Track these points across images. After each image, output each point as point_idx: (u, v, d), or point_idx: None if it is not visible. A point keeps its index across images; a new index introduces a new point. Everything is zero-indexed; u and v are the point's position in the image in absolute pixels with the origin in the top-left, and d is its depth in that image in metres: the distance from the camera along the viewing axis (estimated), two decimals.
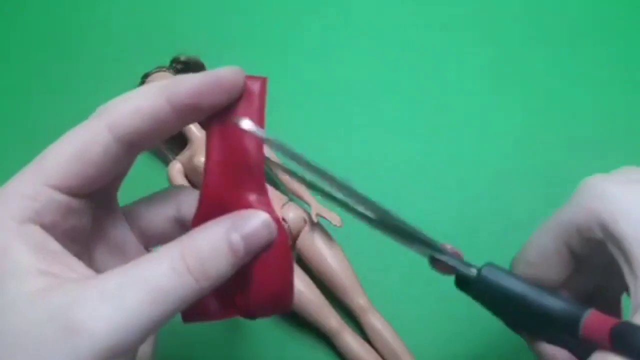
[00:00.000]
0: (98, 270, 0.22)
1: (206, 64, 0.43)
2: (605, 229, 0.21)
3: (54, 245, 0.19)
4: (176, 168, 0.40)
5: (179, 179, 0.40)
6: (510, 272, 0.24)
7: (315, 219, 0.37)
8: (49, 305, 0.17)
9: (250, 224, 0.20)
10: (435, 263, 0.25)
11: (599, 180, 0.23)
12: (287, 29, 0.52)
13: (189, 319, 0.22)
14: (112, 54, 0.50)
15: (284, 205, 0.38)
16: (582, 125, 0.46)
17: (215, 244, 0.19)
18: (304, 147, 0.44)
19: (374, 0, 0.53)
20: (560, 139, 0.45)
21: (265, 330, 0.37)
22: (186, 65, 0.43)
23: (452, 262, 0.24)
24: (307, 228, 0.37)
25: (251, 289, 0.21)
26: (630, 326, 0.19)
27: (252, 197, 0.21)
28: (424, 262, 0.40)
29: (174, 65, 0.43)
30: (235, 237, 0.19)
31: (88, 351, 0.16)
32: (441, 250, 0.25)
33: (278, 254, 0.21)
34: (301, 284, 0.36)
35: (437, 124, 0.46)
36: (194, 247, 0.19)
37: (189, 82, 0.20)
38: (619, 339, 0.20)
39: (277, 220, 0.21)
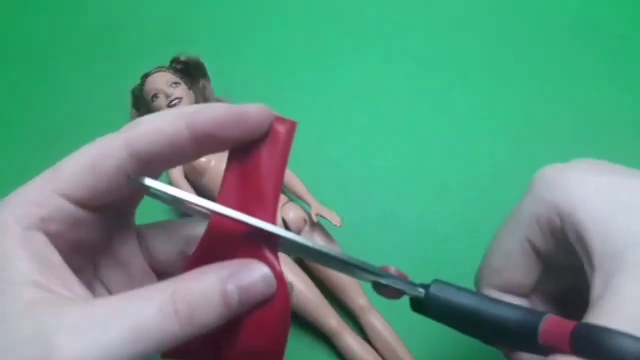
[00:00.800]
0: (100, 281, 0.22)
1: (206, 64, 0.43)
2: (564, 218, 0.21)
3: (55, 257, 0.19)
4: (177, 168, 0.40)
5: (180, 179, 0.40)
6: (459, 287, 0.23)
7: (315, 219, 0.37)
8: (34, 323, 0.17)
9: (248, 276, 0.19)
10: (380, 288, 0.23)
11: (555, 170, 0.22)
12: (287, 29, 0.52)
13: (167, 354, 0.20)
14: (111, 54, 0.50)
15: (283, 205, 0.38)
16: (580, 126, 0.46)
17: (208, 292, 0.18)
18: (304, 148, 0.44)
19: (373, 2, 0.53)
20: (559, 139, 0.45)
21: None
22: (186, 65, 0.43)
23: (397, 284, 0.23)
24: (307, 228, 0.37)
25: (237, 344, 0.20)
26: (588, 327, 0.19)
27: (261, 247, 0.20)
28: (424, 262, 0.41)
29: (174, 65, 0.43)
30: (231, 288, 0.18)
31: None
32: (384, 275, 0.23)
33: (274, 312, 0.20)
34: (301, 284, 0.36)
35: (435, 124, 0.46)
36: (186, 291, 0.18)
37: (211, 112, 0.20)
38: (579, 342, 0.19)
39: (280, 276, 0.20)
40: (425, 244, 0.41)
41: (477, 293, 0.23)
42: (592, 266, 0.20)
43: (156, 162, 0.20)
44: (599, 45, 0.50)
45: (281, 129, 0.21)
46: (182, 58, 0.43)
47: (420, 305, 0.23)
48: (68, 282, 0.19)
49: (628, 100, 0.47)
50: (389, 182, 0.43)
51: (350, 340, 0.35)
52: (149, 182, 0.19)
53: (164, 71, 0.42)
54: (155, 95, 0.41)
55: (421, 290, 0.23)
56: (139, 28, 0.52)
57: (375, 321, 0.36)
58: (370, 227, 0.41)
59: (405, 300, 0.39)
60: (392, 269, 0.23)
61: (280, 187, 0.21)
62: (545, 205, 0.22)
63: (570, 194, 0.21)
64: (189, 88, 0.42)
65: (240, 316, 0.19)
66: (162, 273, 0.23)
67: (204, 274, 0.18)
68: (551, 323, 0.20)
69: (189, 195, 0.19)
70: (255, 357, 0.21)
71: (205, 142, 0.20)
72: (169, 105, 0.40)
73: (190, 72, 0.43)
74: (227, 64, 0.49)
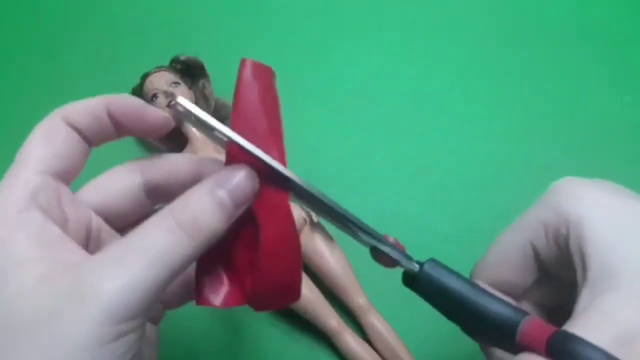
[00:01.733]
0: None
1: (206, 63, 0.43)
2: (570, 228, 0.21)
3: (54, 229, 0.20)
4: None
5: None
6: (453, 271, 0.23)
7: (315, 219, 0.37)
8: (56, 283, 0.18)
9: (233, 177, 0.20)
10: (377, 254, 0.24)
11: (572, 183, 0.23)
12: (287, 29, 0.52)
13: (202, 301, 0.22)
14: (112, 54, 0.50)
15: None
16: (580, 126, 0.46)
17: (202, 202, 0.20)
18: (304, 148, 0.44)
19: (373, 3, 0.53)
20: (557, 140, 0.45)
21: (266, 330, 0.37)
22: (186, 65, 0.43)
23: (394, 254, 0.23)
24: (307, 228, 0.37)
25: (258, 275, 0.21)
26: (566, 335, 0.19)
27: (271, 185, 0.21)
28: (423, 260, 0.41)
29: (173, 65, 0.43)
30: (221, 192, 0.20)
31: (101, 314, 0.17)
32: (384, 242, 0.24)
33: (285, 246, 0.22)
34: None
35: (436, 124, 0.46)
36: (183, 207, 0.19)
37: (123, 102, 0.23)
38: (555, 347, 0.19)
39: (287, 211, 0.21)
40: (425, 244, 0.41)
41: (469, 281, 0.23)
42: (585, 279, 0.21)
43: (90, 135, 0.22)
44: (600, 47, 0.50)
45: (247, 74, 0.23)
46: (182, 58, 0.43)
47: (412, 281, 0.24)
48: (72, 249, 0.20)
49: (628, 100, 0.47)
50: (389, 183, 0.43)
51: (350, 340, 0.35)
52: (180, 100, 0.22)
53: (164, 71, 0.42)
54: (155, 95, 0.41)
55: (416, 265, 0.23)
56: (139, 28, 0.52)
57: (375, 321, 0.36)
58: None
59: (405, 300, 0.39)
60: (392, 238, 0.24)
61: (280, 128, 0.23)
62: (556, 212, 0.22)
63: (582, 207, 0.21)
64: (189, 88, 0.42)
65: (257, 251, 0.21)
66: None
67: (195, 191, 0.20)
68: (532, 324, 0.21)
69: (215, 122, 0.21)
70: (276, 292, 0.22)
71: (120, 126, 0.22)
72: (169, 105, 0.40)
73: (190, 72, 0.43)
74: (227, 64, 0.48)
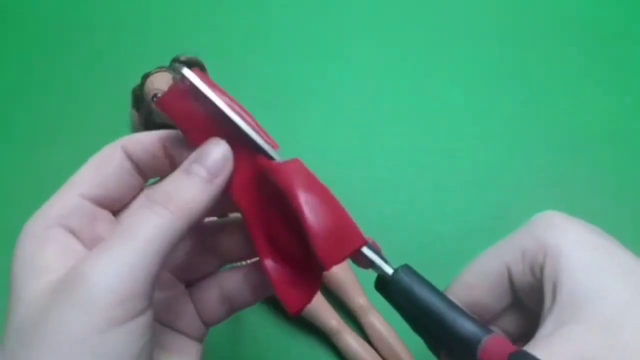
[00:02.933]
0: None
1: (206, 64, 0.43)
2: (547, 257, 0.22)
3: (78, 246, 0.21)
4: None
5: None
6: (426, 280, 0.23)
7: None
8: (58, 283, 0.19)
9: (206, 152, 0.21)
10: (355, 253, 0.23)
11: (555, 216, 0.24)
12: (287, 29, 0.52)
13: (294, 310, 0.23)
14: (113, 55, 0.50)
15: None
16: (581, 127, 0.46)
17: (179, 180, 0.21)
18: (304, 148, 0.44)
19: (372, 2, 0.53)
20: (559, 139, 0.45)
21: (266, 330, 0.37)
22: (186, 66, 0.43)
23: (370, 255, 0.22)
24: None
25: (311, 235, 0.21)
26: (525, 355, 0.19)
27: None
28: (424, 262, 0.40)
29: (174, 65, 0.43)
30: (195, 167, 0.21)
31: (92, 302, 0.18)
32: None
33: (310, 187, 0.22)
34: None
35: (436, 125, 0.46)
36: (158, 189, 0.20)
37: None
38: None
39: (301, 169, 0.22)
40: (424, 244, 0.41)
41: (440, 292, 0.23)
42: (552, 306, 0.21)
43: (146, 169, 0.23)
44: (599, 49, 0.50)
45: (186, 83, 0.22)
46: (183, 58, 0.43)
47: (384, 285, 0.23)
48: None
49: (628, 101, 0.47)
50: (389, 183, 0.43)
51: (350, 340, 0.35)
52: (186, 72, 0.22)
53: (165, 71, 0.42)
54: (155, 96, 0.41)
55: (390, 270, 0.23)
56: (140, 28, 0.52)
57: (375, 321, 0.36)
58: (370, 228, 0.41)
59: None
60: (370, 239, 0.23)
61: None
62: (537, 241, 0.23)
63: (562, 239, 0.22)
64: None
65: (298, 221, 0.21)
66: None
67: (172, 175, 0.21)
68: (495, 341, 0.21)
69: (219, 101, 0.21)
70: (334, 237, 0.21)
71: (175, 163, 0.23)
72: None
73: None
74: (227, 64, 0.49)
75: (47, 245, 0.20)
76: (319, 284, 0.23)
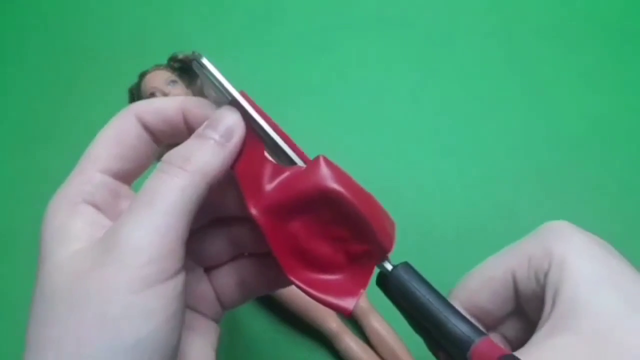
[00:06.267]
0: None
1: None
2: (552, 265, 0.23)
3: (105, 220, 0.21)
4: None
5: None
6: (424, 279, 0.23)
7: None
8: (87, 248, 0.20)
9: (218, 117, 0.22)
10: None
11: (564, 226, 0.24)
12: (287, 29, 0.51)
13: (348, 311, 0.22)
14: (110, 53, 0.50)
15: None
16: (583, 128, 0.46)
17: (190, 142, 0.21)
18: (303, 148, 0.44)
19: (373, 4, 0.53)
20: (560, 140, 0.45)
21: (266, 333, 0.37)
22: (184, 64, 0.42)
23: None
24: None
25: (372, 225, 0.21)
26: (513, 358, 0.20)
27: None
28: (424, 263, 0.40)
29: (171, 63, 0.43)
30: (208, 131, 0.21)
31: (123, 263, 0.18)
32: None
33: (352, 183, 0.22)
34: None
35: (436, 125, 0.46)
36: (174, 153, 0.21)
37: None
38: None
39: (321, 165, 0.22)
40: (425, 245, 0.41)
41: (438, 292, 0.23)
42: (550, 314, 0.22)
43: (162, 137, 0.23)
44: (602, 48, 0.50)
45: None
46: (180, 56, 0.42)
47: (384, 281, 0.23)
48: None
49: (629, 102, 0.47)
50: (389, 184, 0.43)
51: (350, 342, 0.35)
52: (205, 61, 0.23)
53: (162, 69, 0.42)
54: (152, 94, 0.40)
55: (390, 266, 0.23)
56: (136, 26, 0.51)
57: (376, 323, 0.36)
58: None
59: None
60: None
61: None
62: (543, 249, 0.23)
63: (569, 249, 0.23)
64: (187, 86, 0.42)
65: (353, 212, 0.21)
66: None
67: (188, 140, 0.22)
68: (486, 343, 0.21)
69: (234, 91, 0.22)
70: (382, 221, 0.22)
71: (192, 130, 0.23)
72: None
73: (188, 70, 0.42)
74: (225, 63, 0.48)
75: (76, 218, 0.21)
76: (371, 273, 0.23)
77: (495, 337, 0.26)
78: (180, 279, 0.20)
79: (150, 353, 0.18)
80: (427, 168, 0.44)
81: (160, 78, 0.41)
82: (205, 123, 0.22)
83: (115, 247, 0.19)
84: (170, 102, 0.23)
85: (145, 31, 0.51)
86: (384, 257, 0.23)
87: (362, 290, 0.22)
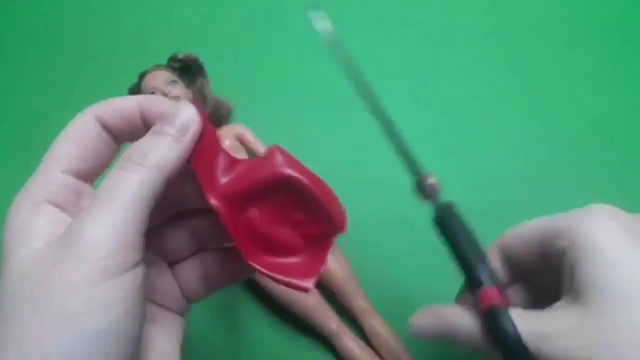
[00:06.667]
0: None
1: (205, 63, 0.43)
2: (576, 241, 0.24)
3: (68, 219, 0.22)
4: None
5: None
6: (463, 224, 0.28)
7: None
8: (59, 238, 0.20)
9: (172, 114, 0.22)
10: (422, 184, 0.30)
11: (602, 208, 0.25)
12: (286, 28, 0.51)
13: (308, 289, 0.23)
14: (110, 53, 0.50)
15: None
16: (584, 128, 0.46)
17: (147, 138, 0.22)
18: (304, 148, 0.44)
19: (373, 4, 0.53)
20: (561, 140, 0.45)
21: (266, 332, 0.37)
22: (184, 64, 0.42)
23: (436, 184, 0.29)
24: None
25: (327, 207, 0.23)
26: (503, 314, 0.24)
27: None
28: (424, 263, 0.40)
29: (171, 63, 0.43)
30: (164, 127, 0.22)
31: (91, 250, 0.19)
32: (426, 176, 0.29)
33: (305, 169, 0.23)
34: None
35: (437, 126, 0.46)
36: (132, 150, 0.22)
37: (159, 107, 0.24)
38: (490, 312, 0.24)
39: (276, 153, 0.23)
40: (425, 244, 0.40)
41: (471, 236, 0.28)
42: (569, 287, 0.23)
43: (122, 136, 0.24)
44: (603, 48, 0.50)
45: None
46: (180, 56, 0.42)
47: (443, 212, 0.29)
48: None
49: (631, 101, 0.47)
50: (389, 184, 0.43)
51: (350, 342, 0.35)
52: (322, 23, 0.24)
53: (162, 69, 0.42)
54: (153, 94, 0.41)
55: (443, 204, 0.29)
56: (138, 27, 0.51)
57: (376, 323, 0.36)
58: (372, 227, 0.41)
59: (405, 302, 0.39)
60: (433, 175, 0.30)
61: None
62: (574, 224, 0.25)
63: (595, 228, 0.24)
64: (187, 87, 0.42)
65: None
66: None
67: (144, 137, 0.22)
68: (494, 289, 0.25)
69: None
70: (335, 202, 0.24)
71: (150, 127, 0.23)
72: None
73: (188, 70, 0.43)
74: (226, 63, 0.48)
75: (39, 217, 0.21)
76: (327, 252, 0.24)
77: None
78: (139, 270, 0.20)
79: (111, 343, 0.19)
80: (426, 168, 0.44)
81: (160, 78, 0.41)
82: (161, 119, 0.22)
83: (74, 242, 0.19)
84: (128, 101, 0.23)
85: (146, 31, 0.51)
86: (337, 236, 0.24)
87: (321, 268, 0.23)
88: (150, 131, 0.22)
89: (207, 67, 0.42)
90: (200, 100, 0.42)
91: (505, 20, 0.52)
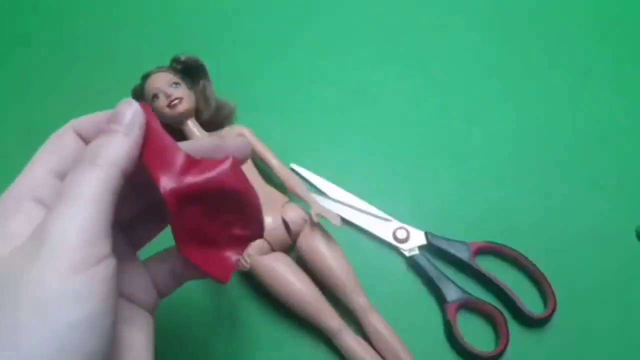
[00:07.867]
0: None
1: (206, 64, 0.43)
2: None
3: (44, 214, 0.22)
4: None
5: None
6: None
7: (315, 219, 0.37)
8: (28, 239, 0.21)
9: (117, 113, 0.24)
10: None
11: None
12: (287, 30, 0.52)
13: (224, 277, 0.26)
14: (112, 55, 0.50)
15: (284, 205, 0.38)
16: (585, 129, 0.46)
17: (98, 138, 0.23)
18: (304, 148, 0.44)
19: (366, 3, 0.53)
20: (562, 139, 0.45)
21: (266, 330, 0.37)
22: (186, 66, 0.43)
23: None
24: (307, 228, 0.37)
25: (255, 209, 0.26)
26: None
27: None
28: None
29: (174, 65, 0.43)
30: (112, 126, 0.23)
31: (59, 246, 0.20)
32: None
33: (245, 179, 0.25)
34: (301, 283, 0.36)
35: (437, 125, 0.46)
36: (85, 151, 0.23)
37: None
38: None
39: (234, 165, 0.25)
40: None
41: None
42: None
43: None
44: (603, 48, 0.50)
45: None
46: (183, 58, 0.42)
47: None
48: None
49: (631, 100, 0.47)
50: (390, 183, 0.43)
51: (350, 340, 0.35)
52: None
53: (164, 71, 0.42)
54: (155, 95, 0.41)
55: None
56: (140, 28, 0.52)
57: (375, 321, 0.36)
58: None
59: (405, 300, 0.39)
60: None
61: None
62: None
63: None
64: (190, 88, 0.42)
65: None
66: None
67: (95, 138, 0.24)
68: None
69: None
70: (237, 199, 0.25)
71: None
72: (169, 106, 0.40)
73: (191, 72, 0.43)
74: (226, 64, 0.49)
75: (16, 216, 0.22)
76: (244, 251, 0.27)
77: None
78: (108, 263, 0.21)
79: (84, 335, 0.20)
80: (426, 168, 0.44)
81: (162, 80, 0.41)
82: (108, 118, 0.24)
83: (43, 241, 0.20)
84: (101, 113, 0.25)
85: (148, 33, 0.51)
86: (254, 240, 0.27)
87: (237, 265, 0.26)
88: (100, 130, 0.24)
89: (209, 69, 0.43)
90: (202, 101, 0.42)
91: (505, 19, 0.52)
